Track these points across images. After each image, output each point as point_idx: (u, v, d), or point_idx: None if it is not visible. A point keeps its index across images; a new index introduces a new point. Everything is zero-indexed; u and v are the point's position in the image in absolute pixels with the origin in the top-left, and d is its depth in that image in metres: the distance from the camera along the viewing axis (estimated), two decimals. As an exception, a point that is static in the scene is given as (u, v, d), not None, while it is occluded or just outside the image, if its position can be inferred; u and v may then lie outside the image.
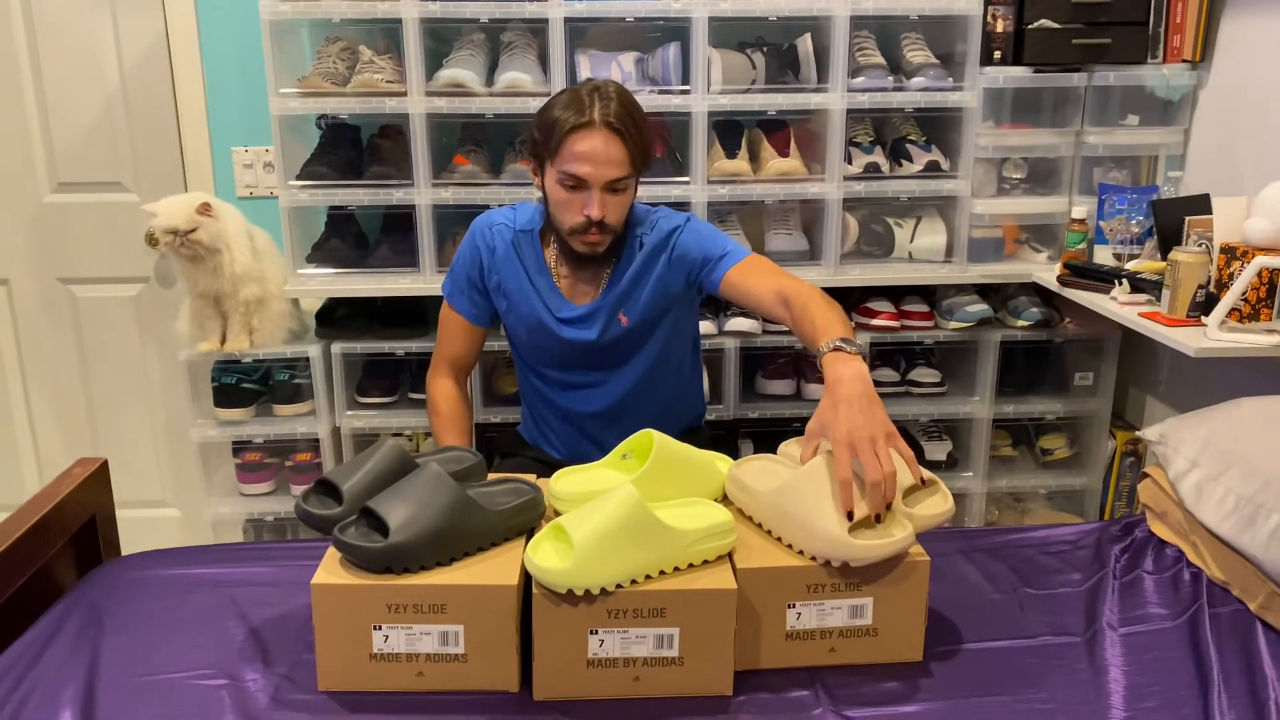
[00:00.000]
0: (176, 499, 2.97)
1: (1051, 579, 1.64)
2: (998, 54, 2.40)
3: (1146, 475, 1.85)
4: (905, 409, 2.59)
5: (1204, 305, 2.03)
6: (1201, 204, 2.26)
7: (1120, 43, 2.40)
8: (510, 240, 1.96)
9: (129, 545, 1.84)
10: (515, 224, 1.97)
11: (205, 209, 2.26)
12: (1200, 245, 2.09)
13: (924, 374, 2.62)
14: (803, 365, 2.61)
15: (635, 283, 1.92)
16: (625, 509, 1.31)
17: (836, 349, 1.50)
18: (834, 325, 1.59)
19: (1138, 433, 2.14)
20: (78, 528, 1.72)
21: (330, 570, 1.33)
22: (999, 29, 2.39)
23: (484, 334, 2.07)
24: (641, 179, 1.89)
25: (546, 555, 1.32)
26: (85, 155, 2.71)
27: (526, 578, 1.33)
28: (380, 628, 1.31)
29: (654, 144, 1.87)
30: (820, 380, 2.52)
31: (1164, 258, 2.17)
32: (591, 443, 2.04)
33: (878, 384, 2.58)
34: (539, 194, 1.90)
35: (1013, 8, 2.38)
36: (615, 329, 1.93)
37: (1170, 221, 2.24)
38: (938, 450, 2.65)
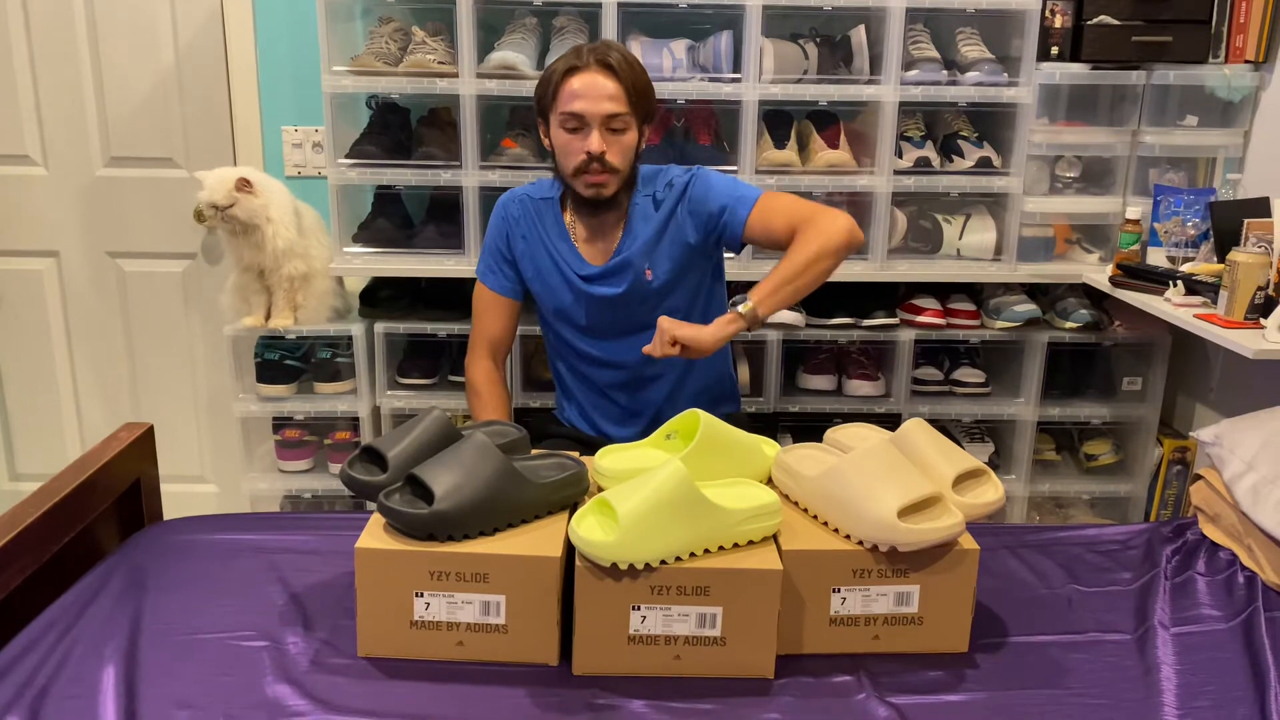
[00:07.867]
0: (215, 474, 2.99)
1: (1101, 577, 1.60)
2: (1055, 50, 2.37)
3: (1199, 477, 1.82)
4: (948, 409, 2.55)
5: (1262, 308, 1.98)
6: (1261, 207, 2.21)
7: (1181, 41, 2.36)
8: (532, 208, 2.04)
9: (168, 518, 1.84)
10: (535, 193, 2.06)
11: (244, 185, 2.26)
12: (1260, 247, 2.05)
13: (968, 374, 2.58)
14: (844, 361, 2.59)
15: (657, 238, 1.96)
16: (672, 484, 1.30)
17: (731, 313, 1.79)
18: (764, 284, 1.81)
19: (1192, 434, 2.10)
20: (122, 491, 1.73)
21: (374, 535, 1.33)
22: (1057, 24, 2.35)
23: (518, 310, 2.10)
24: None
25: (591, 528, 1.31)
26: (138, 131, 2.73)
27: (569, 551, 1.33)
28: (422, 595, 1.31)
29: (654, 95, 1.94)
30: (862, 376, 2.55)
31: (1221, 261, 2.12)
32: (619, 415, 2.08)
33: (921, 382, 2.58)
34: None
35: (1071, 3, 2.34)
36: (639, 284, 1.97)
37: (1228, 224, 2.19)
38: (980, 452, 2.61)
